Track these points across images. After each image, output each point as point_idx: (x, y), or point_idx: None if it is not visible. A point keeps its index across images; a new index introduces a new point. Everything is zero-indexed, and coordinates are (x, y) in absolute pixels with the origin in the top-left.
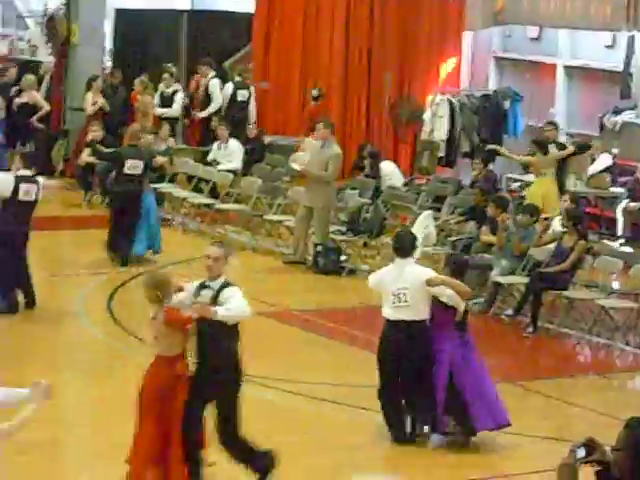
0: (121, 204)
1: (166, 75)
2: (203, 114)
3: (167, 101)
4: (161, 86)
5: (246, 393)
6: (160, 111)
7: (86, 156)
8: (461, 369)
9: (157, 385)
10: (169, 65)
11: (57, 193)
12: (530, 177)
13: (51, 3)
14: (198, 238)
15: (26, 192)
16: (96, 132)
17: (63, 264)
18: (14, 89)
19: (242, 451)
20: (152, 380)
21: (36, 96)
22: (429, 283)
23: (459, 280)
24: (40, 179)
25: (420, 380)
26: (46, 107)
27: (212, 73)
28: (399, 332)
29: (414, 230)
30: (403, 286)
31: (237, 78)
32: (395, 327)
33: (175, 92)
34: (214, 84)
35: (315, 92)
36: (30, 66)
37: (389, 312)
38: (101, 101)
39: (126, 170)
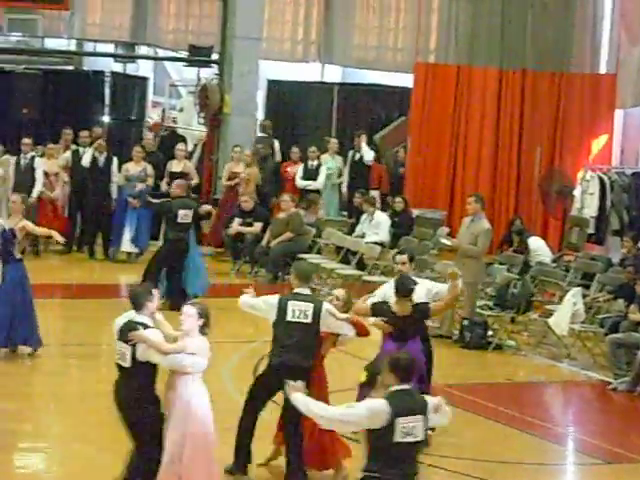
0: (172, 250)
1: (313, 148)
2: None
3: (311, 173)
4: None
5: None
6: (303, 183)
7: (236, 225)
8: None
9: None
10: (327, 138)
11: None
12: None
13: (204, 72)
14: None
15: None
16: (247, 202)
17: (210, 332)
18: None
19: None
20: None
21: (190, 166)
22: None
23: (403, 301)
24: None
25: None
26: (196, 180)
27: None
28: None
29: (562, 307)
30: None
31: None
32: None
33: (320, 165)
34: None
35: None
36: (181, 135)
37: None
38: (244, 171)
39: (179, 220)
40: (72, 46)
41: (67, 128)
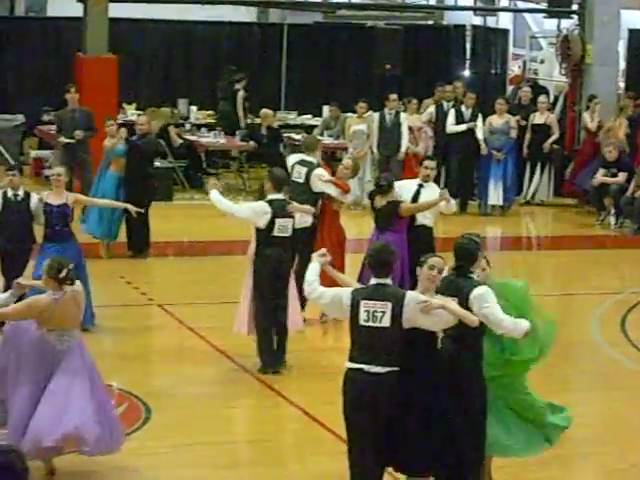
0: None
1: None
2: None
3: None
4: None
5: None
6: None
7: (600, 176)
8: None
9: None
10: None
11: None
12: None
13: (564, 23)
14: None
15: None
16: (611, 152)
17: (577, 283)
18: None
19: None
20: None
21: (552, 118)
22: None
23: (380, 196)
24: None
25: None
26: (556, 134)
27: None
28: None
29: None
30: None
31: None
32: None
33: None
34: None
35: None
36: (543, 87)
37: None
38: (597, 120)
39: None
40: (432, 1)
41: (440, 85)
